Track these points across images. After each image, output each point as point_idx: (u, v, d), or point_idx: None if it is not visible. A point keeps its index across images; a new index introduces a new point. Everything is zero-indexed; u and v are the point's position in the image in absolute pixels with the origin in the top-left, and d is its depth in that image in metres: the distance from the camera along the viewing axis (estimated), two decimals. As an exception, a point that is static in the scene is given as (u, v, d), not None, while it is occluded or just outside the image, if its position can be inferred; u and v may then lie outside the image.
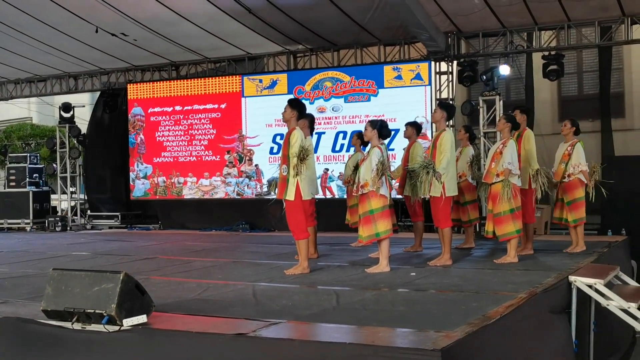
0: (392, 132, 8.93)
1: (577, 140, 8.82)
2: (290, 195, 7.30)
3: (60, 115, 16.63)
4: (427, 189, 7.81)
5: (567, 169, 8.73)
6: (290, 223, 7.42)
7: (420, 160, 8.69)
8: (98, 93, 17.21)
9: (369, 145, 7.66)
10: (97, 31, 13.11)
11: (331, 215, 11.72)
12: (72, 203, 16.63)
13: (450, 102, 12.97)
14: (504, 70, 12.88)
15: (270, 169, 13.89)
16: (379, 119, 8.34)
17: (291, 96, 12.47)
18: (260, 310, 5.40)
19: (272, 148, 14.00)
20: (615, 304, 6.37)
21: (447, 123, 8.66)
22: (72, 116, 16.53)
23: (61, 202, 16.99)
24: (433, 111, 8.62)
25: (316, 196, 8.80)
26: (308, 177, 7.59)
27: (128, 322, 4.61)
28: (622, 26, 12.10)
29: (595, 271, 6.92)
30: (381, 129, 7.56)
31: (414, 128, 9.45)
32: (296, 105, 7.58)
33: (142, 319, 4.68)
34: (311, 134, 8.79)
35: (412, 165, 8.36)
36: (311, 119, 8.88)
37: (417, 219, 9.25)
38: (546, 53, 12.70)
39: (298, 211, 7.35)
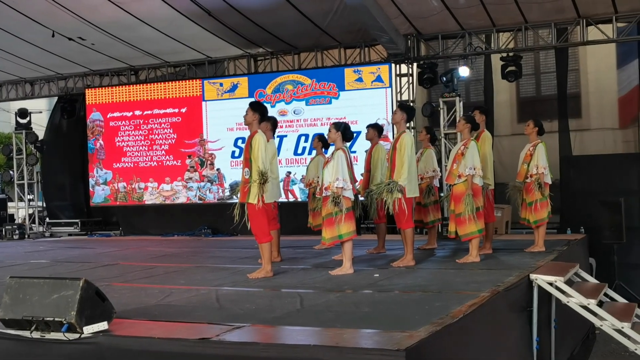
0: (354, 134, 8.97)
1: (540, 141, 8.89)
2: (253, 199, 7.26)
3: (17, 122, 16.36)
4: (391, 204, 7.80)
5: (529, 170, 8.82)
6: (253, 227, 7.37)
7: (382, 163, 8.78)
8: (55, 98, 16.96)
9: (332, 147, 7.66)
10: (53, 35, 12.91)
11: (294, 218, 11.71)
12: (30, 210, 16.36)
13: (411, 104, 13.07)
14: (464, 71, 13.03)
15: (232, 173, 13.85)
16: (342, 121, 8.36)
17: (252, 99, 12.42)
18: (224, 315, 5.35)
19: (233, 152, 13.94)
20: (575, 300, 6.47)
21: (407, 124, 8.71)
22: (29, 122, 16.28)
23: (19, 209, 16.69)
24: (393, 113, 8.65)
25: (279, 199, 8.79)
26: (271, 181, 7.57)
27: (88, 330, 4.53)
28: (578, 28, 12.32)
29: (555, 269, 7.01)
30: (345, 131, 7.58)
31: (376, 130, 9.47)
32: (258, 108, 7.54)
33: (103, 325, 4.61)
34: (273, 137, 8.78)
35: (377, 186, 8.25)
36: (273, 122, 8.88)
37: (379, 221, 9.27)
38: (504, 54, 12.87)
39: (260, 214, 7.31)
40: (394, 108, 10.79)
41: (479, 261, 7.93)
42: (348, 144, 7.93)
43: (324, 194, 7.40)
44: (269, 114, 8.21)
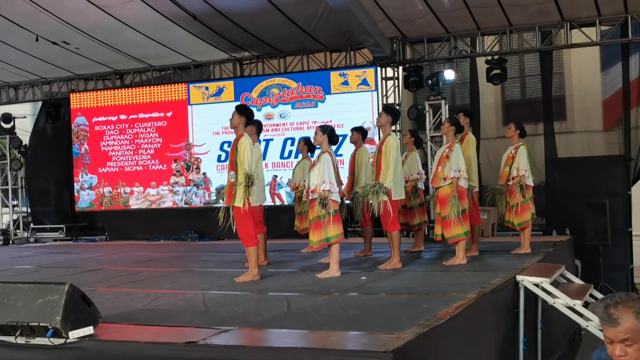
0: (340, 138, 8.97)
1: (521, 144, 8.94)
2: (239, 202, 7.24)
3: (0, 126, 16.21)
4: (376, 206, 7.81)
5: (511, 172, 8.87)
6: (239, 230, 7.36)
7: (366, 166, 8.80)
8: (40, 103, 16.84)
9: (318, 150, 7.67)
10: (37, 39, 12.83)
11: (281, 221, 11.70)
12: (15, 216, 16.23)
13: (397, 107, 13.09)
14: (449, 75, 13.05)
15: (218, 177, 13.81)
16: (328, 124, 8.37)
17: (238, 103, 12.39)
18: (211, 318, 5.34)
19: (219, 156, 13.90)
20: (561, 301, 6.50)
21: (392, 127, 8.73)
22: (13, 127, 16.15)
23: (2, 215, 16.55)
24: (378, 115, 8.67)
25: (265, 203, 8.78)
26: (257, 184, 7.55)
27: (74, 335, 4.50)
28: (562, 31, 12.39)
29: (541, 270, 7.05)
30: (331, 134, 7.60)
31: (360, 133, 9.47)
32: (244, 112, 7.53)
33: (88, 330, 4.57)
34: (258, 140, 8.76)
35: (362, 188, 8.24)
36: (259, 126, 8.87)
37: (365, 224, 9.28)
38: (489, 58, 12.92)
39: (246, 218, 7.30)
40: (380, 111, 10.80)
41: (465, 263, 7.96)
42: (334, 147, 7.94)
43: (310, 197, 7.40)
44: (255, 118, 8.20)
